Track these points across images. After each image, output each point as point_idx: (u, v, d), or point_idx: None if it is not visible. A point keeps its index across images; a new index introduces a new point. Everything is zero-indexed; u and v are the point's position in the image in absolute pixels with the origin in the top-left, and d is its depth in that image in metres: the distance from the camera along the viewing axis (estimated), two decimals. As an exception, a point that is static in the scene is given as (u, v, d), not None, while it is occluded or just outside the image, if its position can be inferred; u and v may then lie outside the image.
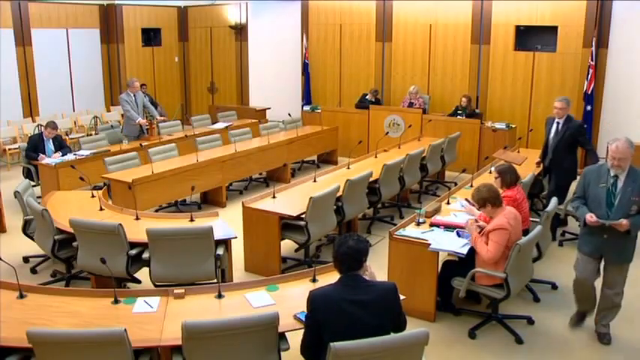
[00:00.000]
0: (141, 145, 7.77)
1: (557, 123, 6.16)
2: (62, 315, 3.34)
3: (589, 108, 8.68)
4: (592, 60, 8.60)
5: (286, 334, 3.18)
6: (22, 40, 10.83)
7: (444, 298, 4.61)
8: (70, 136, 10.66)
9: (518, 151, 7.49)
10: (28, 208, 5.24)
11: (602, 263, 4.17)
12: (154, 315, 3.34)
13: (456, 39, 9.80)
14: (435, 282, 4.44)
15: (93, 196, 5.69)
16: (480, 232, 4.33)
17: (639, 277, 5.43)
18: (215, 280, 4.23)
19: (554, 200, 4.91)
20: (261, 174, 8.59)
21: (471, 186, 5.89)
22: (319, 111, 10.39)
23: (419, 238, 4.49)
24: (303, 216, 5.17)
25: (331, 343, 2.64)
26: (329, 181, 6.20)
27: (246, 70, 12.95)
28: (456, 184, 7.36)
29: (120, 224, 4.42)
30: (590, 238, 4.07)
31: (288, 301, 3.51)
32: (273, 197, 5.68)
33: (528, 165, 6.60)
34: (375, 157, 7.49)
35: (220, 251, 4.50)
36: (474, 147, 8.95)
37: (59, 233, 4.84)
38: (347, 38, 10.89)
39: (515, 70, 9.40)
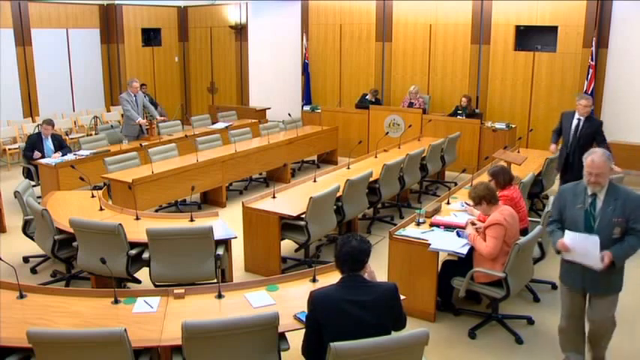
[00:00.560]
0: (141, 145, 7.77)
1: (579, 120, 6.19)
2: (62, 315, 3.34)
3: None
4: (592, 60, 8.60)
5: (286, 334, 3.18)
6: (22, 40, 10.83)
7: (444, 298, 4.61)
8: (70, 136, 10.66)
9: (518, 151, 7.49)
10: (28, 208, 5.24)
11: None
12: (154, 315, 3.34)
13: (456, 39, 9.81)
14: (435, 282, 4.44)
15: (93, 196, 5.69)
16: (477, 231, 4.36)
17: (639, 277, 5.44)
18: (215, 280, 4.23)
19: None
20: (261, 174, 8.59)
21: (471, 186, 5.88)
22: (319, 111, 10.39)
23: (419, 238, 4.49)
24: (303, 216, 5.17)
25: (331, 343, 2.64)
26: (329, 181, 6.20)
27: (246, 70, 12.96)
28: (456, 184, 7.36)
29: (120, 224, 4.42)
30: (570, 266, 3.59)
31: (288, 301, 3.51)
32: (273, 197, 5.68)
33: (528, 165, 6.60)
34: (375, 157, 7.49)
35: (220, 251, 4.50)
36: (474, 147, 8.95)
37: (59, 233, 4.84)
38: (347, 38, 10.89)
39: (515, 70, 9.41)
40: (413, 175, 7.11)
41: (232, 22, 12.79)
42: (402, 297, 3.03)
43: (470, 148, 8.93)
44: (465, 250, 4.28)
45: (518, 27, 9.34)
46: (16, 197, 5.53)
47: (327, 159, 9.62)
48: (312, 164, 9.65)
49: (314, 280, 3.72)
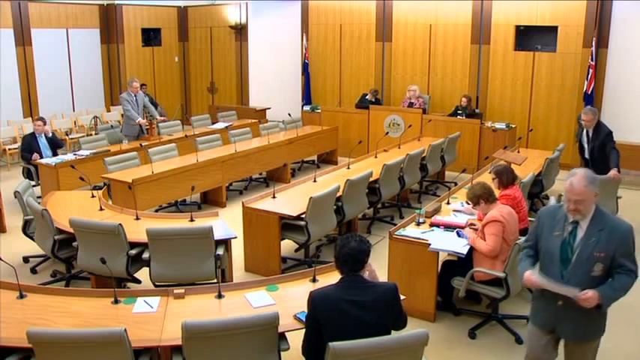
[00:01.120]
0: (141, 145, 7.77)
1: (588, 132, 6.31)
2: (62, 315, 3.34)
3: (589, 108, 8.68)
4: (592, 60, 8.60)
5: (286, 334, 3.18)
6: (22, 40, 10.83)
7: (444, 298, 4.61)
8: (70, 136, 10.67)
9: (519, 151, 7.49)
10: (28, 208, 5.24)
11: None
12: (154, 315, 3.34)
13: (456, 39, 9.81)
14: (435, 282, 4.44)
15: (93, 196, 5.69)
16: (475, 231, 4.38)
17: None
18: (215, 280, 4.23)
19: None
20: (261, 174, 8.59)
21: (471, 186, 5.88)
22: (319, 111, 10.39)
23: (419, 238, 4.49)
24: (303, 216, 5.17)
25: (330, 343, 2.65)
26: (329, 181, 6.20)
27: (246, 70, 12.96)
28: (456, 184, 7.36)
29: (120, 224, 4.42)
30: (541, 303, 3.06)
31: (288, 301, 3.50)
32: (273, 197, 5.68)
33: (528, 165, 6.60)
34: (375, 157, 7.49)
35: (220, 251, 4.50)
36: (474, 147, 8.95)
37: (59, 233, 4.84)
38: (347, 38, 10.89)
39: (515, 70, 9.41)
40: (413, 175, 7.11)
41: (232, 22, 12.79)
42: (402, 297, 3.03)
43: (470, 148, 8.93)
44: (465, 250, 4.29)
45: (518, 27, 9.34)
46: (16, 197, 5.53)
47: (327, 159, 9.62)
48: (312, 164, 9.65)
49: (314, 280, 3.72)
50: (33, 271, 5.55)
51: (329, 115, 10.12)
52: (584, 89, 8.72)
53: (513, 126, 8.97)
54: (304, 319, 3.03)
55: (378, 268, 4.45)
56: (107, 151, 7.60)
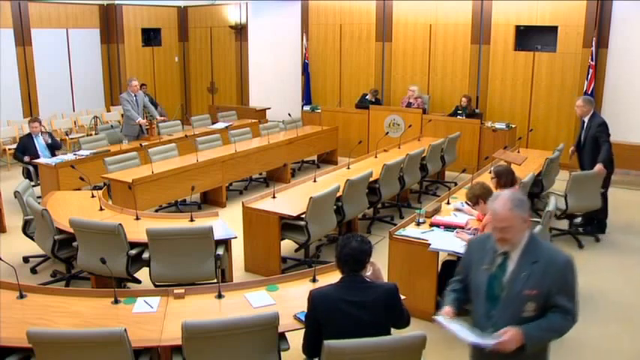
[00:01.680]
0: (141, 145, 7.77)
1: (584, 121, 6.26)
2: (62, 315, 3.34)
3: (589, 108, 8.68)
4: (592, 60, 8.60)
5: (286, 334, 3.18)
6: (22, 40, 10.83)
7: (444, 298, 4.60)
8: (70, 136, 10.67)
9: (519, 151, 7.49)
10: (28, 208, 5.24)
11: None
12: (154, 315, 3.34)
13: (456, 39, 9.81)
14: (435, 282, 4.44)
15: (93, 196, 5.69)
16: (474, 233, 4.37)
17: (638, 276, 5.45)
18: (215, 280, 4.23)
19: (553, 199, 4.91)
20: (261, 174, 8.59)
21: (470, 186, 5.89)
22: (319, 111, 10.39)
23: (419, 238, 4.49)
24: (303, 216, 5.17)
25: (325, 342, 2.66)
26: (329, 181, 6.20)
27: (246, 70, 12.96)
28: (456, 184, 7.36)
29: (120, 224, 4.42)
30: (478, 350, 2.56)
31: (288, 301, 3.50)
32: (273, 197, 5.68)
33: (528, 165, 6.60)
34: (375, 157, 7.49)
35: (220, 251, 4.50)
36: (474, 147, 8.95)
37: (59, 233, 4.84)
38: (347, 38, 10.89)
39: (515, 70, 9.41)
40: (413, 175, 7.11)
41: (232, 22, 12.79)
42: (402, 297, 3.03)
43: (470, 148, 8.93)
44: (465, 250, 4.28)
45: (518, 27, 9.33)
46: (16, 197, 5.53)
47: (327, 159, 9.62)
48: (312, 164, 9.65)
49: (314, 280, 3.72)
50: (33, 271, 5.54)
51: (329, 115, 10.12)
52: (584, 89, 8.71)
53: (513, 126, 8.97)
54: (304, 319, 3.03)
55: (378, 268, 4.45)
56: (107, 151, 7.60)
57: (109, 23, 12.31)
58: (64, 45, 11.65)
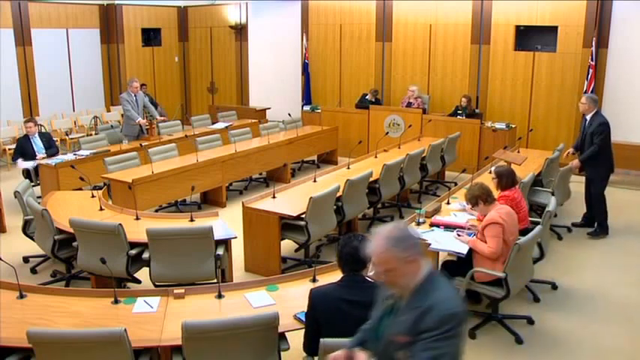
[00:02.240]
0: (141, 145, 7.77)
1: (586, 119, 6.25)
2: (62, 315, 3.34)
3: (589, 108, 8.68)
4: (592, 60, 8.60)
5: (286, 334, 3.18)
6: (22, 40, 10.83)
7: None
8: (70, 136, 10.67)
9: (519, 151, 7.49)
10: (28, 208, 5.24)
11: None
12: (154, 315, 3.34)
13: (456, 39, 9.80)
14: (435, 282, 4.44)
15: (93, 196, 5.69)
16: (475, 234, 4.38)
17: (638, 276, 5.44)
18: (215, 280, 4.23)
19: (553, 199, 4.91)
20: (261, 174, 8.59)
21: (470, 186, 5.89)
22: (319, 111, 10.39)
23: (419, 238, 4.48)
24: (303, 216, 5.17)
25: (322, 339, 2.66)
26: (329, 181, 6.20)
27: (246, 70, 12.96)
28: (456, 184, 7.36)
29: (120, 224, 4.42)
30: None
31: (288, 301, 3.50)
32: (273, 197, 5.68)
33: (528, 165, 6.60)
34: (375, 157, 7.49)
35: (220, 251, 4.50)
36: (474, 147, 8.95)
37: (59, 233, 4.84)
38: (347, 38, 10.89)
39: (515, 70, 9.41)
40: (413, 175, 7.11)
41: (232, 22, 12.79)
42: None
43: (470, 148, 8.93)
44: (465, 250, 4.28)
45: (518, 27, 9.33)
46: (16, 197, 5.53)
47: (327, 159, 9.62)
48: (312, 164, 9.65)
49: (314, 280, 3.72)
50: (33, 271, 5.54)
51: (329, 115, 10.12)
52: (584, 89, 8.71)
53: (513, 126, 8.97)
54: (304, 318, 3.03)
55: (378, 268, 4.45)
56: (107, 151, 7.60)
57: (109, 23, 12.31)
58: (64, 45, 11.65)
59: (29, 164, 7.39)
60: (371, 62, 10.70)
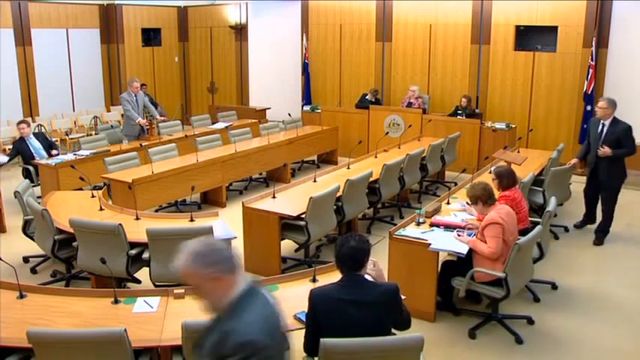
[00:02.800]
0: (141, 145, 7.77)
1: (603, 125, 5.89)
2: (62, 315, 3.34)
3: (589, 108, 8.66)
4: (592, 60, 8.60)
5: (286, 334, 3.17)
6: (22, 40, 10.84)
7: (444, 298, 4.61)
8: (70, 136, 10.67)
9: (518, 151, 7.49)
10: (28, 208, 5.24)
11: None
12: (154, 315, 3.34)
13: (456, 39, 9.80)
14: (435, 282, 4.44)
15: (93, 196, 5.69)
16: (475, 234, 4.38)
17: (638, 276, 5.45)
18: (215, 280, 4.22)
19: (553, 200, 4.91)
20: (261, 174, 8.59)
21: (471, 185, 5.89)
22: (319, 111, 10.39)
23: (419, 238, 4.49)
24: (303, 216, 5.17)
25: (322, 340, 2.66)
26: (329, 181, 6.19)
27: (246, 70, 12.96)
28: (456, 184, 7.36)
29: (120, 224, 4.42)
30: None
31: (288, 301, 3.49)
32: (273, 197, 5.68)
33: (528, 165, 6.60)
34: (375, 157, 7.49)
35: (220, 251, 4.49)
36: (474, 147, 8.95)
37: (59, 233, 4.84)
38: (347, 38, 10.89)
39: (515, 70, 9.41)
40: (413, 175, 7.11)
41: (232, 22, 12.79)
42: (402, 297, 3.03)
43: (470, 148, 8.93)
44: (465, 250, 4.28)
45: (518, 27, 9.33)
46: (16, 197, 5.52)
47: (327, 159, 9.62)
48: (312, 164, 9.65)
49: (314, 280, 3.72)
50: (33, 271, 5.54)
51: (329, 115, 10.12)
52: (584, 89, 8.72)
53: (513, 126, 8.97)
54: (305, 318, 3.03)
55: (378, 268, 4.45)
56: (107, 151, 7.60)
57: (109, 23, 12.31)
58: (64, 45, 11.66)
59: (3, 159, 7.40)
60: (371, 62, 10.70)
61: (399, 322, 2.97)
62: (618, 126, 5.83)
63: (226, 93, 13.41)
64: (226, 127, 9.38)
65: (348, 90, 11.04)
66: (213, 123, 9.93)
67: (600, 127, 5.94)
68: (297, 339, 3.02)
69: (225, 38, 13.08)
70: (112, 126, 9.67)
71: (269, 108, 11.87)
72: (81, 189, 6.61)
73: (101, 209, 5.35)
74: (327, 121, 9.82)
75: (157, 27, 13.10)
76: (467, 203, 5.02)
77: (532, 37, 9.32)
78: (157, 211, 6.95)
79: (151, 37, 13.08)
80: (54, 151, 7.66)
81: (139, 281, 4.71)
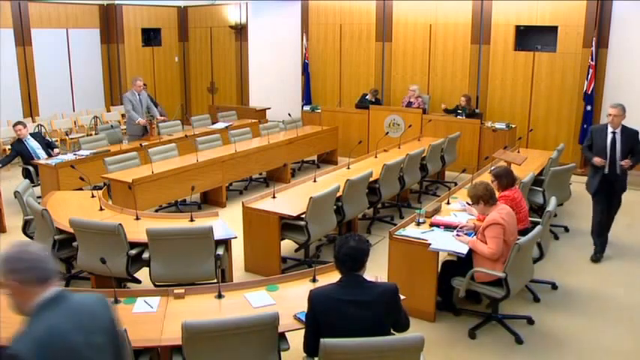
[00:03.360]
0: (141, 145, 7.77)
1: (614, 133, 5.44)
2: (62, 315, 3.33)
3: (589, 108, 8.68)
4: (592, 60, 8.60)
5: (286, 334, 3.18)
6: (22, 40, 10.83)
7: (444, 298, 4.61)
8: (70, 136, 10.67)
9: (518, 151, 7.49)
10: (28, 208, 5.24)
11: None
12: (154, 315, 3.34)
13: (456, 39, 9.81)
14: (435, 282, 4.45)
15: (93, 196, 5.69)
16: (475, 234, 4.37)
17: (638, 276, 5.45)
18: (215, 280, 4.23)
19: (553, 200, 4.91)
20: (261, 174, 8.59)
21: (471, 185, 5.88)
22: (319, 111, 10.39)
23: (419, 238, 4.49)
24: (303, 216, 5.17)
25: (322, 340, 2.66)
26: (329, 181, 6.20)
27: (246, 70, 12.96)
28: (456, 184, 7.36)
29: (120, 224, 4.42)
30: None
31: (288, 301, 3.50)
32: (273, 197, 5.68)
33: (528, 165, 6.60)
34: (375, 157, 7.49)
35: (220, 251, 4.50)
36: (474, 147, 8.95)
37: (59, 233, 4.84)
38: (347, 38, 10.89)
39: (515, 70, 9.41)
40: (413, 175, 7.11)
41: (232, 22, 12.79)
42: (402, 297, 3.03)
43: (470, 148, 8.93)
44: (465, 250, 4.29)
45: (518, 27, 9.34)
46: (16, 197, 5.52)
47: (327, 159, 9.62)
48: (312, 164, 9.65)
49: (314, 280, 3.72)
50: (33, 271, 5.53)
51: (329, 115, 10.12)
52: (584, 89, 8.72)
53: (513, 126, 8.97)
54: (304, 318, 3.04)
55: (378, 268, 4.46)
56: (107, 151, 7.60)
57: (109, 23, 12.31)
58: (64, 45, 11.66)
59: None
60: (371, 62, 10.70)
61: (398, 322, 2.97)
62: (629, 133, 5.49)
63: (226, 93, 13.41)
64: (226, 127, 9.37)
65: (348, 90, 11.04)
66: (213, 123, 9.92)
67: (611, 136, 5.45)
68: (297, 339, 3.02)
69: (225, 38, 13.08)
70: (112, 126, 9.66)
71: (269, 108, 11.87)
72: (81, 189, 6.62)
73: (101, 209, 5.35)
74: (327, 121, 9.82)
75: (157, 27, 13.10)
76: (467, 203, 5.02)
77: (532, 37, 9.32)
78: (156, 211, 6.95)
79: (151, 37, 13.08)
80: (55, 150, 7.67)
81: (138, 281, 4.71)
